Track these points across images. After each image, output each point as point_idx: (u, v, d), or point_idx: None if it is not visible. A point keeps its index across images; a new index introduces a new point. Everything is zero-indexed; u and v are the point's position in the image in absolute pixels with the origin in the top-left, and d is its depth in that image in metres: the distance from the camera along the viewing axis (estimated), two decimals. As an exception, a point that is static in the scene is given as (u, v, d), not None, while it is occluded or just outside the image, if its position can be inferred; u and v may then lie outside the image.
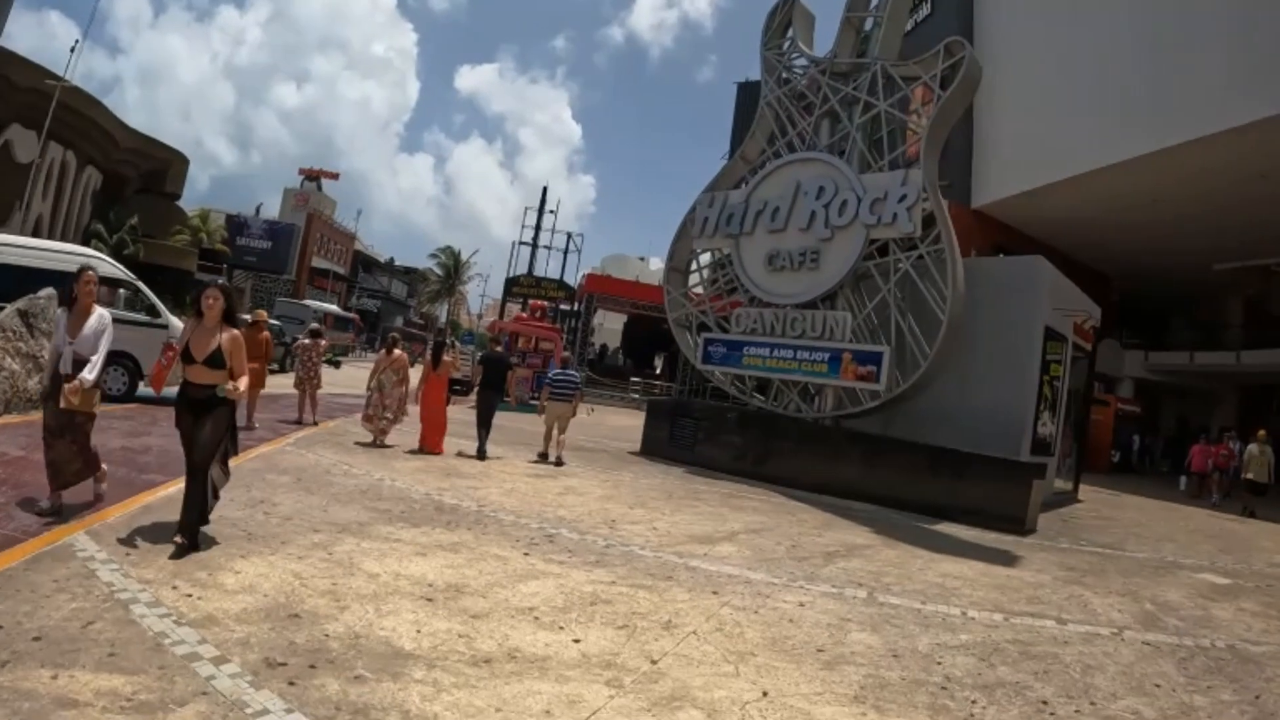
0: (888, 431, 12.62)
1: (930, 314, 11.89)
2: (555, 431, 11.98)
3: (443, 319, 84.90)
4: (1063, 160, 21.85)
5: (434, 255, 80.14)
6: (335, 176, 73.62)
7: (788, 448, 12.70)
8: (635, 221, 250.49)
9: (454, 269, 76.97)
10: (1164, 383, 30.10)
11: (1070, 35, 21.79)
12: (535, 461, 11.86)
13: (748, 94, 46.10)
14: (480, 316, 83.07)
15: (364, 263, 77.57)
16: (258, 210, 64.93)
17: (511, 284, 43.04)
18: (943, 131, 12.82)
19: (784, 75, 14.67)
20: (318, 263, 66.11)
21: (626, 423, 23.80)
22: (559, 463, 11.71)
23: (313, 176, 71.72)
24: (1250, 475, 16.82)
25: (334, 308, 48.18)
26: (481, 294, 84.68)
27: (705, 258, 16.01)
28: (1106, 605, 6.69)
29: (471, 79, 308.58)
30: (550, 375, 12.82)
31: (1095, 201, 22.95)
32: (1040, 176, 22.73)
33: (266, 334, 12.02)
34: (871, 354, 12.04)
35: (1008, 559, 8.43)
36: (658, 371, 42.22)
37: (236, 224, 59.64)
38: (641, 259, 73.70)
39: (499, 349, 13.74)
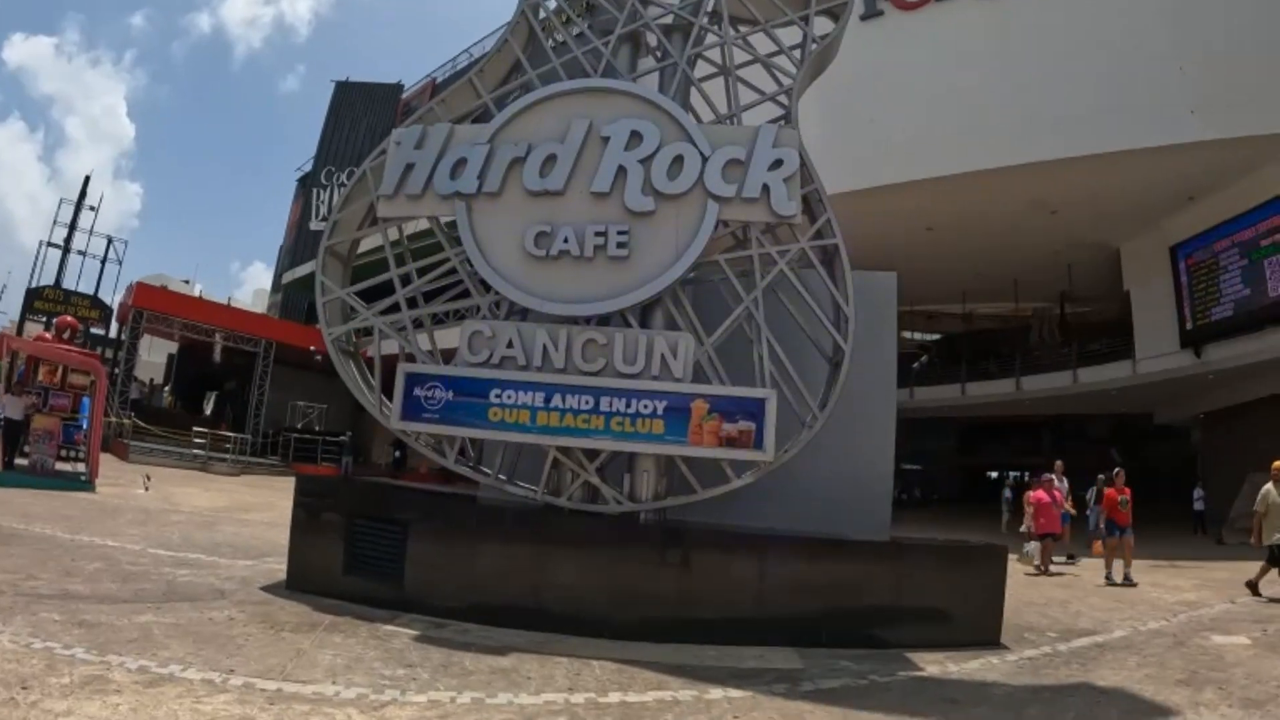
0: (685, 517, 7.31)
1: (804, 340, 7.37)
2: None
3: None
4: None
5: (-66, 259, 56.60)
6: None
7: (598, 566, 6.77)
8: (184, 242, 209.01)
9: (-40, 274, 55.19)
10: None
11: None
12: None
13: (346, 96, 38.71)
14: (-9, 340, 59.08)
15: None
16: None
17: (34, 296, 32.67)
18: (805, 88, 8.30)
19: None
20: None
21: (211, 501, 14.98)
22: None
23: None
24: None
25: None
26: (-5, 308, 60.68)
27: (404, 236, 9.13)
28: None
29: (24, 50, 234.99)
30: None
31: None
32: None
33: None
34: (746, 402, 6.70)
35: (1150, 709, 5.13)
36: (206, 414, 32.12)
37: None
38: (186, 282, 60.75)
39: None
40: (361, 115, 35.97)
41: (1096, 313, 25.90)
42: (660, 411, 6.70)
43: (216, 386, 33.90)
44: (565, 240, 7.30)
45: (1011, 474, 37.87)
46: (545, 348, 7.05)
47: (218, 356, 28.50)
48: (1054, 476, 12.90)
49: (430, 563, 6.84)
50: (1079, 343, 23.42)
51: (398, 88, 37.63)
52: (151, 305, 27.82)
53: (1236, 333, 18.06)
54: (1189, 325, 19.19)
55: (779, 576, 6.59)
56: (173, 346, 35.91)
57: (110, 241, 36.88)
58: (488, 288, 7.61)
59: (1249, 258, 17.94)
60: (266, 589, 7.21)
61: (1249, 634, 7.50)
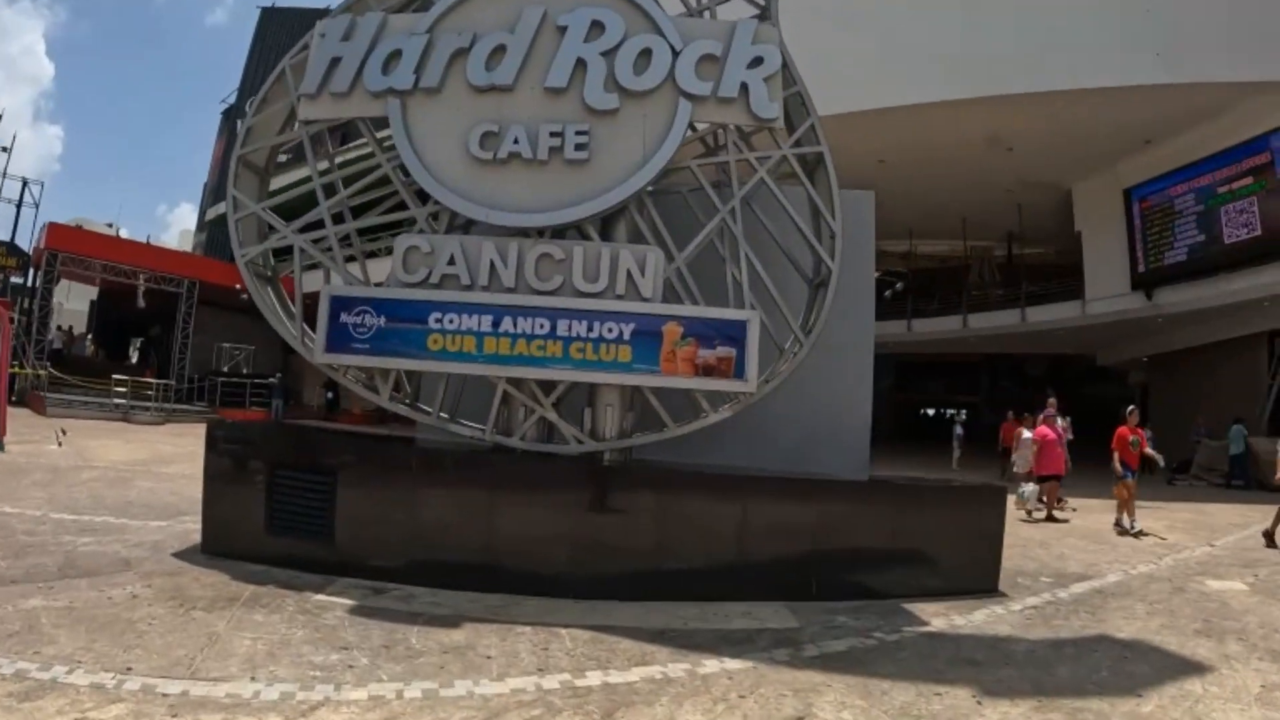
0: (645, 457, 6.54)
1: (780, 260, 6.62)
2: None
3: None
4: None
5: None
6: None
7: (558, 515, 5.85)
8: (109, 186, 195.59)
9: None
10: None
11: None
12: None
13: (272, 22, 36.21)
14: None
15: None
16: None
17: (-57, 245, 28.83)
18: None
19: None
20: None
21: (128, 454, 13.59)
22: None
23: None
24: None
25: None
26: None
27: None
28: None
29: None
30: None
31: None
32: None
33: None
34: (725, 325, 5.84)
35: (1182, 664, 4.69)
36: (133, 362, 29.98)
37: None
38: (110, 225, 56.57)
39: None
40: (288, 42, 33.32)
41: (1035, 255, 25.70)
42: (627, 336, 5.78)
43: (142, 332, 31.63)
44: (515, 141, 6.22)
45: (948, 411, 38.23)
46: (493, 264, 6.02)
47: (141, 300, 26.39)
48: (1054, 412, 11.49)
49: (364, 517, 5.85)
50: (1022, 284, 23.15)
51: (327, 13, 35.07)
52: (65, 246, 25.41)
53: (1189, 277, 17.89)
54: (1141, 268, 18.98)
55: (763, 522, 5.82)
56: (95, 293, 33.35)
57: (25, 184, 33.74)
58: (425, 199, 6.52)
59: (1205, 204, 17.70)
60: (179, 555, 6.15)
61: (1242, 579, 7.24)
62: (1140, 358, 22.91)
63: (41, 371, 22.93)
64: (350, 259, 7.13)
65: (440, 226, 6.40)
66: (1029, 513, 10.70)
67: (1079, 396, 26.93)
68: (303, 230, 6.83)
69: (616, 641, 4.54)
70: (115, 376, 22.35)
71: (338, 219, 6.92)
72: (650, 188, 6.45)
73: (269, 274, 7.34)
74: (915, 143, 18.87)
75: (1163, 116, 17.38)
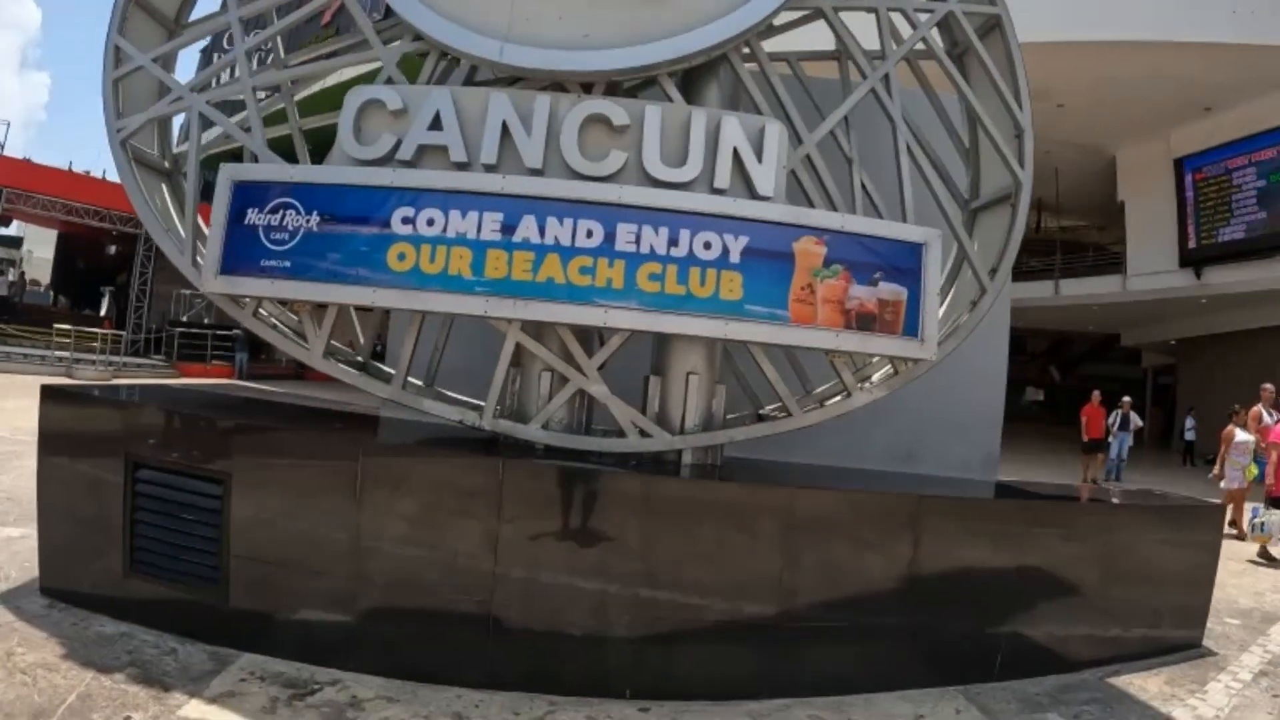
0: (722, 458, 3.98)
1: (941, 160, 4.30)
2: None
3: None
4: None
5: None
6: None
7: (609, 554, 3.24)
8: (96, 135, 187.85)
9: None
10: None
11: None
12: None
13: None
14: None
15: None
16: None
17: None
18: None
19: None
20: None
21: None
22: None
23: None
24: None
25: None
26: None
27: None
28: None
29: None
30: None
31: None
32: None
33: None
34: (895, 249, 3.34)
35: None
36: (103, 313, 26.78)
37: None
38: (87, 173, 51.18)
39: None
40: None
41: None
42: (735, 257, 3.23)
43: (111, 280, 28.41)
44: (546, -57, 3.63)
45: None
46: (506, 129, 3.41)
47: (111, 244, 23.26)
48: None
49: (275, 552, 3.28)
50: (1057, 256, 20.99)
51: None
52: (18, 183, 22.16)
53: (1245, 256, 15.80)
54: (1191, 244, 16.83)
55: (936, 562, 3.39)
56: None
57: (-11, 124, 30.20)
58: (410, 28, 3.91)
59: (1268, 179, 15.61)
60: (7, 598, 3.61)
61: None
62: (1168, 339, 20.89)
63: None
64: (281, 144, 4.52)
65: (423, 74, 3.80)
66: (1266, 553, 7.18)
67: (1081, 376, 25.09)
68: (204, 89, 4.21)
69: None
70: (57, 326, 19.37)
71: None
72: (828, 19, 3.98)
73: (167, 167, 4.71)
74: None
75: (1227, 82, 15.20)
